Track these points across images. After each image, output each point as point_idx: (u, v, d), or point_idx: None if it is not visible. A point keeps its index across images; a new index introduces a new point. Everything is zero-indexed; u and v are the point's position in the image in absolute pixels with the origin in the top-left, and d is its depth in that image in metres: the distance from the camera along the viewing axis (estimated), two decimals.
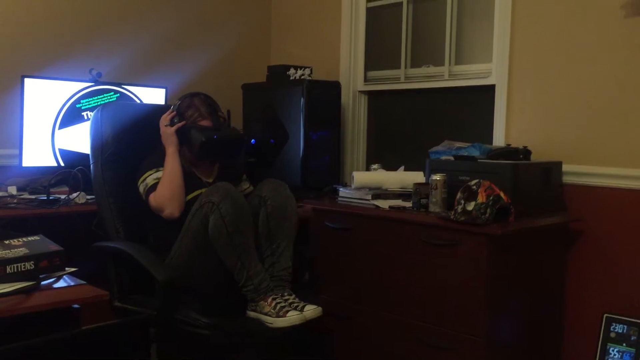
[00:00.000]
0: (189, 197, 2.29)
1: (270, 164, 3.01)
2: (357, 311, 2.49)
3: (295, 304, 2.12)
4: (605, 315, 2.29)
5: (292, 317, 2.06)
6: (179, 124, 2.32)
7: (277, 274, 2.21)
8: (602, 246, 2.42)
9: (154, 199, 2.25)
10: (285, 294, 2.16)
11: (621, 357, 2.24)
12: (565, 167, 2.47)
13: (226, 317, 2.11)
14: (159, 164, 2.31)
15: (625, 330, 2.25)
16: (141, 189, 2.29)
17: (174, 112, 2.36)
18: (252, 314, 2.13)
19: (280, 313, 2.07)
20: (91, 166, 2.39)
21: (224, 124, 2.41)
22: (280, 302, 2.10)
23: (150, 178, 2.28)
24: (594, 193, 2.42)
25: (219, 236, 2.10)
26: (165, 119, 2.36)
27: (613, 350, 2.26)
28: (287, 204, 2.29)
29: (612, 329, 2.27)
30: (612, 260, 2.39)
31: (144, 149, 2.38)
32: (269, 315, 2.08)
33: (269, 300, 2.10)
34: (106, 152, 2.37)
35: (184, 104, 2.37)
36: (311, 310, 2.10)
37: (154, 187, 2.26)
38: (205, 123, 2.34)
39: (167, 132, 2.33)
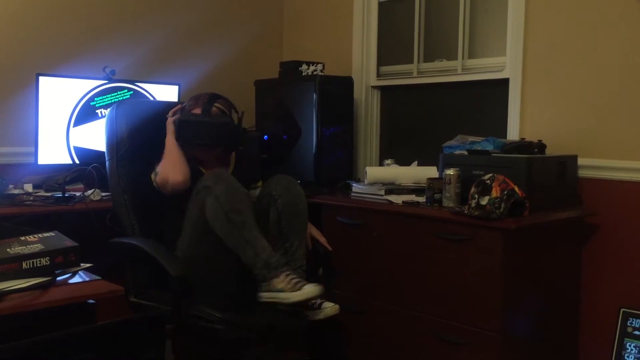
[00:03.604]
0: None
1: (284, 160, 3.01)
2: (371, 306, 2.48)
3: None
4: (622, 309, 2.27)
5: (309, 289, 1.98)
6: (178, 116, 2.37)
7: None
8: (619, 240, 2.39)
9: (158, 177, 2.27)
10: None
11: (638, 352, 2.21)
12: (580, 161, 2.44)
13: (241, 312, 2.12)
14: None
15: None
16: (152, 178, 2.31)
17: (179, 106, 2.43)
18: (265, 295, 2.03)
19: (296, 287, 1.99)
20: (107, 163, 2.40)
21: (220, 115, 2.39)
22: (294, 278, 2.01)
23: (157, 167, 2.32)
24: (610, 187, 2.40)
25: (215, 217, 2.06)
26: (170, 112, 2.41)
27: (630, 345, 2.23)
28: (298, 201, 2.28)
29: (629, 324, 2.24)
30: (629, 255, 2.37)
31: (158, 146, 2.39)
32: (284, 291, 1.99)
33: (282, 276, 2.01)
34: (121, 149, 2.39)
35: (191, 98, 2.44)
36: (329, 308, 2.09)
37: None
38: (196, 111, 2.37)
39: (167, 122, 2.38)
